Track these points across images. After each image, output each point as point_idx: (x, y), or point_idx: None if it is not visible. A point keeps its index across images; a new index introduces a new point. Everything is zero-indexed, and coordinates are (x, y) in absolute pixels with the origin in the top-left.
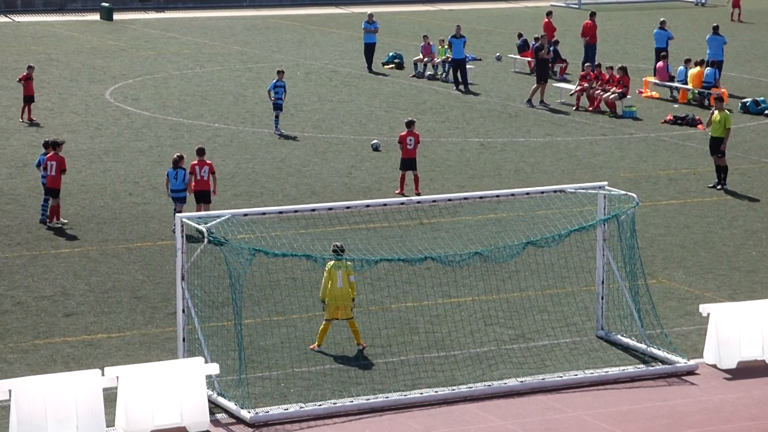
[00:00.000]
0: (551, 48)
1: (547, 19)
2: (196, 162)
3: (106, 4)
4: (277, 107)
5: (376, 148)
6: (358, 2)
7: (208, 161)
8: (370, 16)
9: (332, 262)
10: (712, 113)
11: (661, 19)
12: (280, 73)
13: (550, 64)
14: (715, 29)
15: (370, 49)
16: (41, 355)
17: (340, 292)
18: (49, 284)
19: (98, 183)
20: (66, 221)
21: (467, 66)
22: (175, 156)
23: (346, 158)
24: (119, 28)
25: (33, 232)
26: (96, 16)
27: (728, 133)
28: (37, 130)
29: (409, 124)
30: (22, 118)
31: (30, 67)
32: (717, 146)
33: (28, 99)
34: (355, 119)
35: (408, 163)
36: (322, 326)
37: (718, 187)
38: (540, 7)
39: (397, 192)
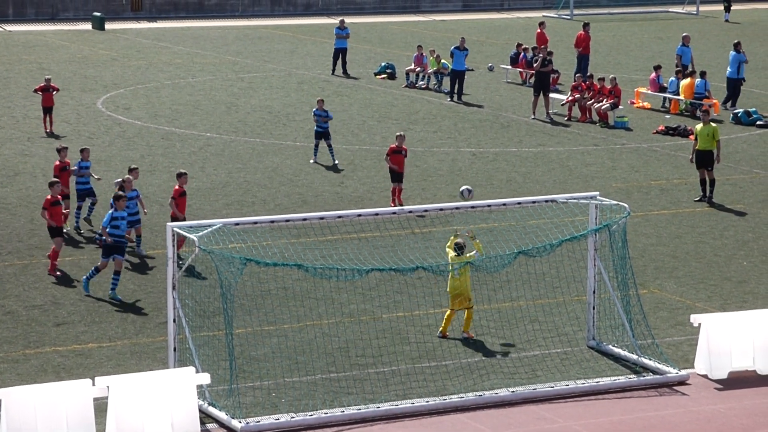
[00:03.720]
0: (549, 60)
1: (540, 30)
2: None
3: (98, 14)
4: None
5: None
6: (350, 12)
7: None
8: (342, 21)
9: (453, 254)
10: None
11: (684, 34)
12: (320, 102)
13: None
14: (736, 46)
15: (337, 54)
16: (32, 364)
17: (459, 282)
18: (39, 293)
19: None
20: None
21: None
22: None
23: (337, 168)
24: (111, 38)
25: (24, 241)
26: (88, 26)
27: (719, 145)
28: (29, 138)
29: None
30: (45, 129)
31: (47, 78)
32: (705, 159)
33: (46, 110)
34: (347, 129)
35: (399, 175)
36: (447, 314)
37: (705, 200)
38: (532, 18)
39: (393, 204)
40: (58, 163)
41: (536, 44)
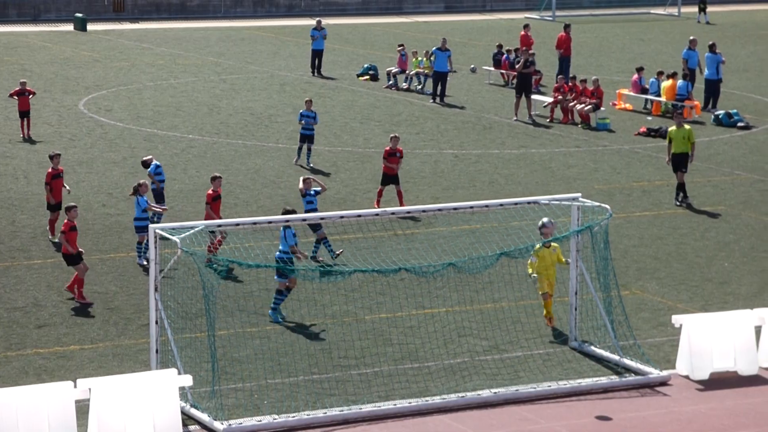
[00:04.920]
0: (531, 62)
1: (524, 32)
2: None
3: (80, 15)
4: (304, 138)
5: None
6: (333, 14)
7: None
8: (318, 22)
9: (538, 246)
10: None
11: (691, 38)
12: (308, 102)
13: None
14: (711, 47)
15: (315, 55)
16: (13, 366)
17: (546, 265)
18: (21, 295)
19: (72, 194)
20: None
21: None
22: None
23: (320, 169)
24: (93, 39)
25: (5, 243)
26: (70, 27)
27: (693, 146)
28: (10, 140)
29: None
30: (23, 134)
31: (22, 82)
32: (681, 162)
33: (23, 114)
34: (330, 131)
35: (391, 178)
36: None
37: (684, 203)
38: (515, 20)
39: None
40: (50, 170)
41: (519, 46)
